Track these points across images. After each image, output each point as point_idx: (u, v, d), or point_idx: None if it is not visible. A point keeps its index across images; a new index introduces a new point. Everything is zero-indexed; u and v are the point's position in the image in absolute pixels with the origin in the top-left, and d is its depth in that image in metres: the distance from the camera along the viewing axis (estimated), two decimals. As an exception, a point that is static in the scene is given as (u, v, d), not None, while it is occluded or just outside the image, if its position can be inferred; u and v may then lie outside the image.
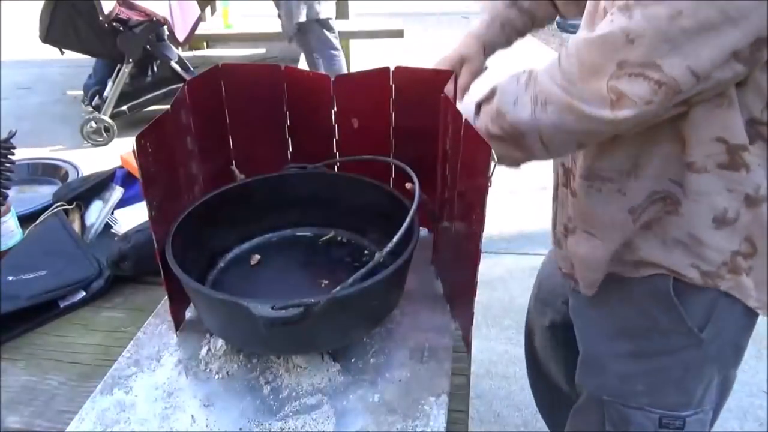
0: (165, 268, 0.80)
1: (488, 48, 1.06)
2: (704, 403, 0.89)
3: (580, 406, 1.01)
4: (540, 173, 3.72)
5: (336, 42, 3.82)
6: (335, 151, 1.07)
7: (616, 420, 0.92)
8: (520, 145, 0.78)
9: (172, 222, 0.85)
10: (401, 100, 0.99)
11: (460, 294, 0.89)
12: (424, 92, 0.94)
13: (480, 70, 1.05)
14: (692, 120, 0.71)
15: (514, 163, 0.82)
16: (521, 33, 1.09)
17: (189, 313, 0.93)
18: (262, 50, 5.58)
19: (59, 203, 1.20)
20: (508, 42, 1.08)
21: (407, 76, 0.97)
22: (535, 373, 1.36)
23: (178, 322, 0.90)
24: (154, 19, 3.58)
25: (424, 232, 1.10)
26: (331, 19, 3.75)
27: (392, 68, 0.97)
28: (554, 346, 1.22)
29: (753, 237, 0.77)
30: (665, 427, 0.89)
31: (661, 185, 0.78)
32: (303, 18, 3.62)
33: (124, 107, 3.80)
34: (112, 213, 1.21)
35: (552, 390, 1.29)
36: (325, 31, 3.74)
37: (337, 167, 1.06)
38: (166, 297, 0.87)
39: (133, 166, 1.22)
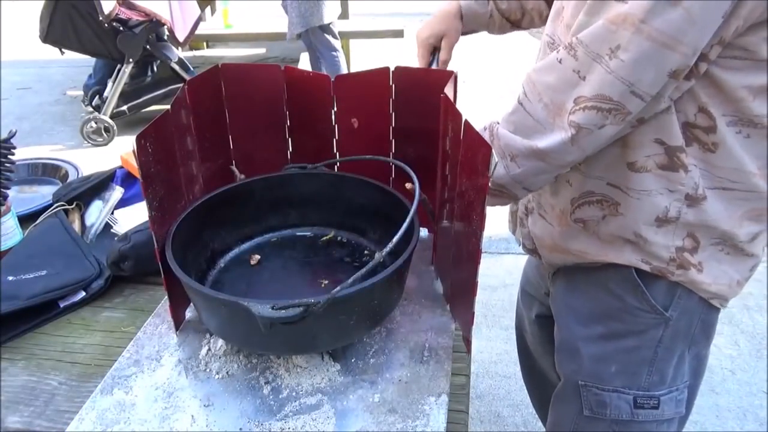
0: (165, 268, 0.80)
1: (466, 17, 1.08)
2: (677, 382, 0.91)
3: (558, 393, 1.02)
4: (540, 173, 3.66)
5: (337, 44, 3.83)
6: (335, 151, 1.07)
7: (592, 404, 0.94)
8: (504, 194, 0.83)
9: (172, 222, 0.85)
10: (401, 100, 0.99)
11: (460, 294, 0.89)
12: (424, 92, 0.94)
13: (455, 42, 1.08)
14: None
15: (504, 204, 0.89)
16: (508, 17, 1.10)
17: (189, 313, 0.93)
18: (262, 50, 5.58)
19: (59, 203, 1.20)
20: (491, 22, 1.10)
21: (407, 76, 0.97)
22: (527, 367, 1.37)
23: (178, 322, 0.90)
24: (154, 19, 3.58)
25: (424, 232, 1.10)
26: (332, 23, 3.76)
27: (392, 68, 0.97)
28: (542, 337, 1.24)
29: (696, 233, 0.81)
30: (640, 407, 0.91)
31: (598, 187, 0.83)
32: (301, 29, 3.66)
33: (124, 107, 3.81)
34: (112, 213, 1.21)
35: (543, 383, 1.29)
36: (326, 35, 3.75)
37: (337, 167, 1.06)
38: (166, 297, 0.87)
39: (133, 166, 1.22)
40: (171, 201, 0.88)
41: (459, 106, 0.84)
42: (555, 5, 0.84)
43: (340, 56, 3.86)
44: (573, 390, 0.96)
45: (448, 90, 0.87)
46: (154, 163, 0.80)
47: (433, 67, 1.06)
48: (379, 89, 0.99)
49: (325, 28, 3.73)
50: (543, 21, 1.08)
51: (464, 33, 1.11)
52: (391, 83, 0.98)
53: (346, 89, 1.01)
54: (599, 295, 0.91)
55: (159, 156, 0.81)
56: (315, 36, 3.72)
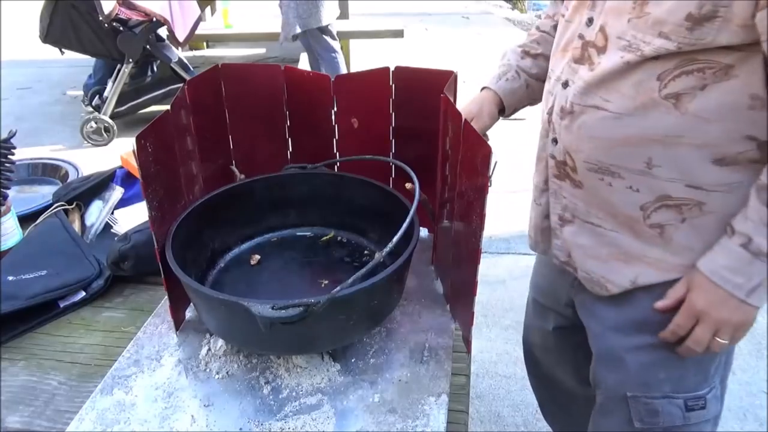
0: (165, 268, 0.80)
1: (506, 98, 1.05)
2: (716, 378, 0.90)
3: (601, 406, 0.98)
4: (540, 173, 3.66)
5: (335, 45, 3.83)
6: (335, 151, 1.07)
7: (643, 414, 0.91)
8: None
9: (172, 222, 0.85)
10: (401, 100, 0.99)
11: (460, 294, 0.89)
12: (424, 92, 0.94)
13: (488, 126, 1.04)
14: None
15: None
16: (543, 79, 1.06)
17: (189, 313, 0.93)
18: (262, 50, 5.58)
19: (59, 203, 1.20)
20: (530, 92, 1.06)
21: (407, 76, 0.97)
22: (538, 378, 1.33)
23: (178, 322, 0.90)
24: (154, 19, 3.58)
25: (424, 232, 1.10)
26: (331, 24, 3.76)
27: (392, 68, 0.97)
28: (561, 349, 1.19)
29: None
30: (691, 410, 0.89)
31: (676, 191, 0.79)
32: (298, 30, 3.65)
33: (124, 107, 3.80)
34: (112, 213, 1.21)
35: (558, 392, 1.27)
36: (324, 36, 3.75)
37: (337, 167, 1.06)
38: (166, 297, 0.87)
39: (133, 166, 1.22)
40: (171, 201, 0.88)
41: (459, 106, 0.84)
42: (614, 2, 0.79)
43: (339, 57, 3.86)
44: (619, 402, 0.93)
45: (448, 90, 0.87)
46: (154, 163, 0.80)
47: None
48: (379, 89, 0.99)
49: (324, 30, 3.73)
50: None
51: (510, 114, 1.08)
52: (391, 83, 0.98)
53: (346, 89, 1.01)
54: (644, 307, 0.87)
55: (159, 156, 0.81)
56: (313, 38, 3.72)
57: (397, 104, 1.00)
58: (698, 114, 0.75)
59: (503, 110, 1.06)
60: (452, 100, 0.87)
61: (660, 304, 0.85)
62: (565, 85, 0.86)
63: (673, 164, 0.78)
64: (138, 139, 0.75)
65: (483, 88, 1.06)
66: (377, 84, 0.98)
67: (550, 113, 0.90)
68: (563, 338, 1.17)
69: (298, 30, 3.65)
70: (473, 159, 0.75)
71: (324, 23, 3.67)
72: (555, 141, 0.89)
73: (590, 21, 0.83)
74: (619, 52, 0.78)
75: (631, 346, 0.91)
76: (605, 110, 0.80)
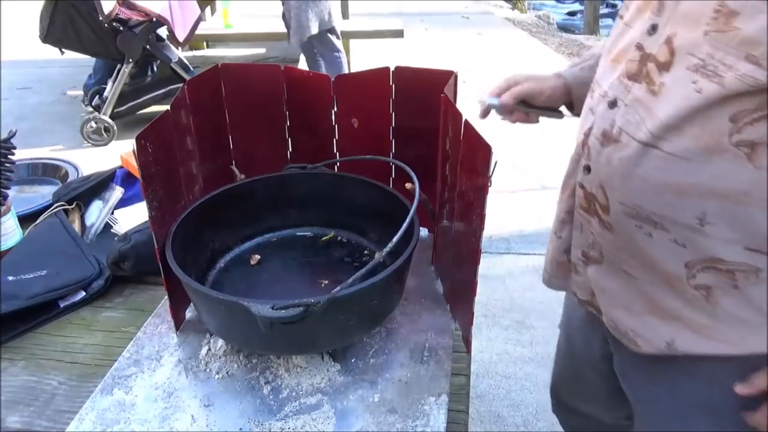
0: (165, 268, 0.80)
1: (576, 88, 0.94)
2: None
3: None
4: (539, 173, 3.74)
5: (339, 44, 3.83)
6: (335, 151, 1.07)
7: None
8: None
9: (172, 222, 0.85)
10: (401, 100, 0.99)
11: (460, 294, 0.89)
12: (424, 92, 0.94)
13: (541, 97, 0.95)
14: None
15: None
16: None
17: (189, 313, 0.93)
18: (262, 50, 5.58)
19: (59, 203, 1.20)
20: None
21: (407, 76, 0.97)
22: (567, 413, 1.19)
23: (178, 321, 0.90)
24: (154, 19, 3.58)
25: (424, 232, 1.10)
26: (336, 24, 3.76)
27: (392, 68, 0.97)
28: (596, 392, 1.06)
29: None
30: None
31: (731, 254, 0.67)
32: (315, 31, 3.62)
33: (124, 107, 3.81)
34: (112, 213, 1.21)
35: (584, 421, 1.15)
36: (329, 34, 3.75)
37: (337, 167, 1.06)
38: (167, 297, 0.87)
39: (133, 166, 1.22)
40: (171, 201, 0.88)
41: (459, 106, 0.84)
42: (688, 7, 0.64)
43: (342, 57, 3.86)
44: None
45: (448, 90, 0.87)
46: (154, 163, 0.80)
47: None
48: (379, 89, 0.99)
49: (332, 30, 3.73)
50: None
51: (575, 109, 0.95)
52: (391, 83, 0.98)
53: (346, 89, 1.01)
54: (702, 388, 0.75)
55: (159, 156, 0.81)
56: (320, 38, 3.71)
57: (397, 104, 1.00)
58: None
59: (572, 104, 0.95)
60: (452, 100, 0.87)
61: (741, 389, 0.71)
62: (613, 104, 0.71)
63: (732, 224, 0.65)
64: (138, 139, 0.75)
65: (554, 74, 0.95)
66: (377, 84, 0.98)
67: (587, 134, 0.76)
68: (600, 384, 1.02)
69: (314, 31, 3.62)
70: (473, 159, 0.75)
71: (334, 23, 3.67)
72: (588, 169, 0.76)
73: (653, 28, 0.68)
74: (689, 74, 0.62)
75: (685, 429, 0.78)
76: (658, 148, 0.66)
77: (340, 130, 1.04)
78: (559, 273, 0.89)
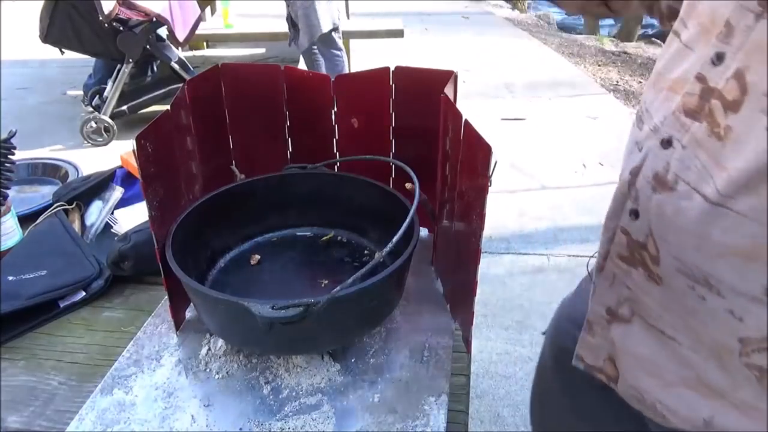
0: (165, 268, 0.80)
1: None
2: None
3: None
4: (540, 173, 3.74)
5: (339, 42, 3.83)
6: (335, 151, 1.07)
7: None
8: None
9: (172, 222, 0.85)
10: (401, 100, 0.99)
11: (460, 294, 0.89)
12: (425, 92, 0.94)
13: None
14: None
15: None
16: None
17: (189, 313, 0.93)
18: (262, 50, 5.59)
19: (59, 203, 1.20)
20: None
21: (407, 75, 0.97)
22: None
23: (178, 321, 0.90)
24: (154, 19, 3.59)
25: (424, 232, 1.10)
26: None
27: (392, 68, 0.97)
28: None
29: None
30: None
31: None
32: (326, 29, 3.61)
33: (124, 107, 3.81)
34: (112, 213, 1.21)
35: None
36: (333, 33, 3.75)
37: (337, 167, 1.06)
38: (167, 297, 0.87)
39: (133, 166, 1.22)
40: (171, 201, 0.88)
41: (459, 106, 0.84)
42: (764, 36, 0.52)
43: (343, 56, 3.86)
44: None
45: (448, 90, 0.87)
46: (154, 163, 0.80)
47: None
48: (379, 89, 0.99)
49: (336, 29, 3.73)
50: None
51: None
52: (391, 83, 0.98)
53: (346, 89, 1.01)
54: None
55: (159, 156, 0.81)
56: (326, 36, 3.71)
57: (397, 104, 1.00)
58: None
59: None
60: (452, 100, 0.87)
61: None
62: (667, 144, 0.61)
63: None
64: (138, 139, 0.75)
65: None
66: (377, 84, 0.98)
67: (635, 174, 0.66)
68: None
69: (325, 30, 3.61)
70: (473, 159, 0.75)
71: (339, 21, 3.68)
72: (635, 214, 0.66)
73: (719, 58, 0.56)
74: (765, 119, 0.52)
75: None
76: (725, 206, 0.56)
77: (340, 130, 1.04)
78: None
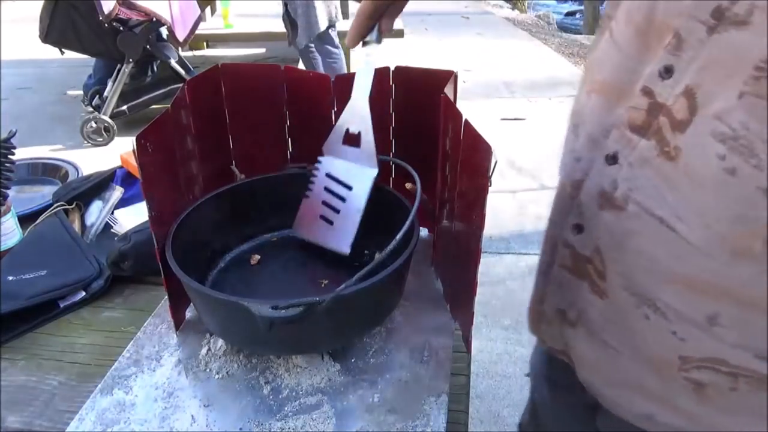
0: (165, 268, 0.80)
1: None
2: None
3: None
4: (540, 173, 3.74)
5: (337, 40, 3.83)
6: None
7: None
8: None
9: (172, 222, 0.85)
10: (401, 100, 0.99)
11: (460, 294, 0.89)
12: (425, 92, 0.94)
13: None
14: None
15: None
16: None
17: (189, 313, 0.93)
18: (262, 50, 5.59)
19: (59, 203, 1.20)
20: None
21: (407, 76, 0.97)
22: None
23: (178, 322, 0.90)
24: (154, 19, 3.59)
25: (424, 232, 1.10)
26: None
27: (392, 68, 0.97)
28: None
29: None
30: None
31: (736, 358, 0.56)
32: (324, 27, 3.61)
33: (124, 107, 3.81)
34: (112, 213, 1.21)
35: None
36: (330, 31, 3.75)
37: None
38: (167, 297, 0.87)
39: (133, 166, 1.22)
40: (171, 201, 0.88)
41: (459, 106, 0.84)
42: (719, 53, 0.48)
43: (341, 54, 3.86)
44: None
45: (448, 90, 0.87)
46: (154, 163, 0.80)
47: (371, 40, 0.81)
48: (379, 89, 0.99)
49: (334, 26, 3.73)
50: None
51: None
52: (391, 83, 0.98)
53: (346, 89, 1.01)
54: None
55: (159, 156, 0.81)
56: (323, 34, 3.71)
57: (397, 104, 1.00)
58: None
59: None
60: (453, 100, 0.87)
61: None
62: (612, 160, 0.58)
63: (748, 331, 0.54)
64: (138, 139, 0.75)
65: None
66: (377, 84, 0.98)
67: (577, 187, 0.64)
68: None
69: (323, 28, 3.62)
70: (473, 159, 0.74)
71: (335, 19, 3.68)
72: (579, 229, 0.65)
73: (668, 72, 0.52)
74: (715, 145, 0.48)
75: None
76: (674, 230, 0.54)
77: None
78: (533, 318, 0.80)
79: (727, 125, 0.47)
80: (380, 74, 0.98)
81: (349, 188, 0.88)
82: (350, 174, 0.89)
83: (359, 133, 0.86)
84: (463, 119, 0.77)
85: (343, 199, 0.89)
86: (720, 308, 0.54)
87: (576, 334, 0.71)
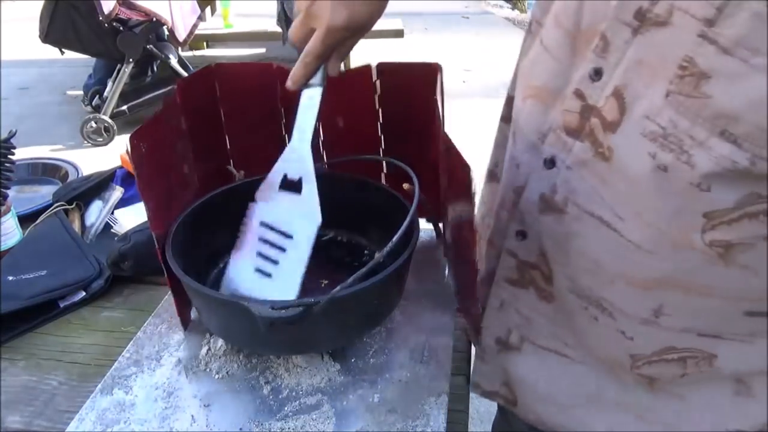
0: (168, 268, 0.80)
1: None
2: None
3: None
4: (540, 173, 3.71)
5: None
6: (322, 151, 1.06)
7: None
8: None
9: (172, 222, 0.85)
10: (387, 96, 0.98)
11: (464, 281, 0.87)
12: (410, 87, 0.93)
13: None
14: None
15: None
16: None
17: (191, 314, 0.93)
18: (262, 50, 5.58)
19: (59, 203, 1.20)
20: None
21: (389, 72, 0.96)
22: None
23: (185, 321, 0.89)
24: (154, 19, 3.58)
25: (424, 231, 1.09)
26: None
27: (374, 65, 0.96)
28: None
29: None
30: None
31: (682, 341, 0.57)
32: None
33: (124, 107, 3.81)
34: (112, 213, 1.21)
35: None
36: None
37: (328, 166, 1.06)
38: (167, 296, 0.87)
39: (133, 166, 1.21)
40: (169, 201, 0.88)
41: (452, 102, 0.82)
42: (643, 54, 0.49)
43: None
44: None
45: (436, 88, 0.85)
46: (149, 164, 0.80)
47: (314, 83, 0.76)
48: (364, 87, 0.98)
49: None
50: None
51: None
52: (375, 79, 0.97)
53: (341, 88, 1.00)
54: None
55: (154, 156, 0.81)
56: None
57: (383, 100, 0.99)
58: (748, 266, 0.51)
59: None
60: (441, 99, 0.85)
61: None
62: (550, 163, 0.59)
63: (690, 315, 0.56)
64: (131, 139, 0.75)
65: None
66: (361, 81, 0.98)
67: (518, 194, 0.64)
68: None
69: None
70: (457, 182, 0.72)
71: None
72: (522, 235, 0.64)
73: (597, 74, 0.53)
74: (645, 143, 0.49)
75: None
76: (615, 230, 0.54)
77: (327, 130, 1.04)
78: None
79: (657, 124, 0.48)
80: (363, 72, 0.97)
81: (289, 237, 0.79)
82: (289, 222, 0.80)
83: (299, 178, 0.78)
84: (448, 144, 0.70)
85: (282, 249, 0.79)
86: (664, 299, 0.55)
87: (520, 360, 0.69)
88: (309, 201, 0.79)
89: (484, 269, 0.74)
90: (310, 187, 0.79)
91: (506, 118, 0.77)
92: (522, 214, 0.64)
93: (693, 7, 0.44)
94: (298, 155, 0.81)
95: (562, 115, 0.57)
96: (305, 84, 0.74)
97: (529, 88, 0.63)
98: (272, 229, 0.81)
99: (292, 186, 0.81)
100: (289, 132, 1.08)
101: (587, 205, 0.56)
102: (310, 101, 0.76)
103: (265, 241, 0.81)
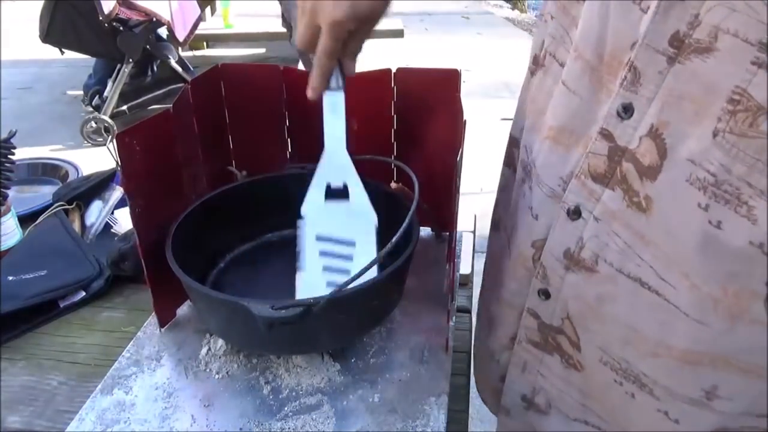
0: (149, 266, 0.80)
1: None
2: None
3: None
4: (540, 173, 3.70)
5: None
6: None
7: None
8: None
9: (172, 222, 0.85)
10: (403, 103, 0.99)
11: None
12: (427, 92, 0.93)
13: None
14: None
15: None
16: None
17: (189, 312, 0.93)
18: (262, 50, 5.58)
19: (59, 203, 1.20)
20: None
21: (409, 77, 0.96)
22: None
23: (163, 320, 0.89)
24: (154, 19, 3.58)
25: (425, 232, 1.09)
26: None
27: (394, 69, 0.97)
28: None
29: None
30: None
31: (737, 421, 0.49)
32: None
33: (124, 107, 3.81)
34: (112, 213, 1.21)
35: None
36: None
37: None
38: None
39: (133, 166, 1.21)
40: (169, 201, 0.88)
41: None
42: (684, 86, 0.42)
43: None
44: None
45: (456, 93, 0.85)
46: (140, 163, 0.80)
47: (334, 86, 0.76)
48: (381, 90, 0.98)
49: None
50: None
51: None
52: (392, 85, 0.97)
53: (349, 91, 1.01)
54: None
55: (151, 156, 0.81)
56: None
57: (399, 106, 0.99)
58: None
59: None
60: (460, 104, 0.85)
61: None
62: (575, 214, 0.52)
63: (750, 398, 0.47)
64: (120, 137, 0.75)
65: None
66: (378, 85, 0.98)
67: (538, 248, 0.58)
68: None
69: None
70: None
71: None
72: (545, 294, 0.58)
73: (626, 110, 0.46)
74: (692, 192, 0.41)
75: None
76: (660, 295, 0.46)
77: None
78: (493, 400, 0.70)
79: (705, 169, 0.40)
80: (382, 75, 0.98)
81: (352, 244, 0.77)
82: (347, 230, 0.78)
83: (344, 184, 0.78)
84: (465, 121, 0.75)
85: (349, 258, 0.77)
86: (719, 380, 0.47)
87: (549, 420, 0.62)
88: (360, 204, 0.79)
89: (503, 333, 0.67)
90: (358, 190, 0.80)
91: (510, 162, 0.70)
92: (545, 270, 0.57)
93: (743, 28, 0.36)
94: (337, 162, 0.81)
95: (586, 159, 0.50)
96: (325, 88, 0.71)
97: (549, 128, 0.55)
98: (331, 240, 0.80)
99: (337, 194, 0.81)
100: (292, 134, 1.08)
101: (622, 263, 0.48)
102: (335, 107, 0.76)
103: (328, 254, 0.79)
